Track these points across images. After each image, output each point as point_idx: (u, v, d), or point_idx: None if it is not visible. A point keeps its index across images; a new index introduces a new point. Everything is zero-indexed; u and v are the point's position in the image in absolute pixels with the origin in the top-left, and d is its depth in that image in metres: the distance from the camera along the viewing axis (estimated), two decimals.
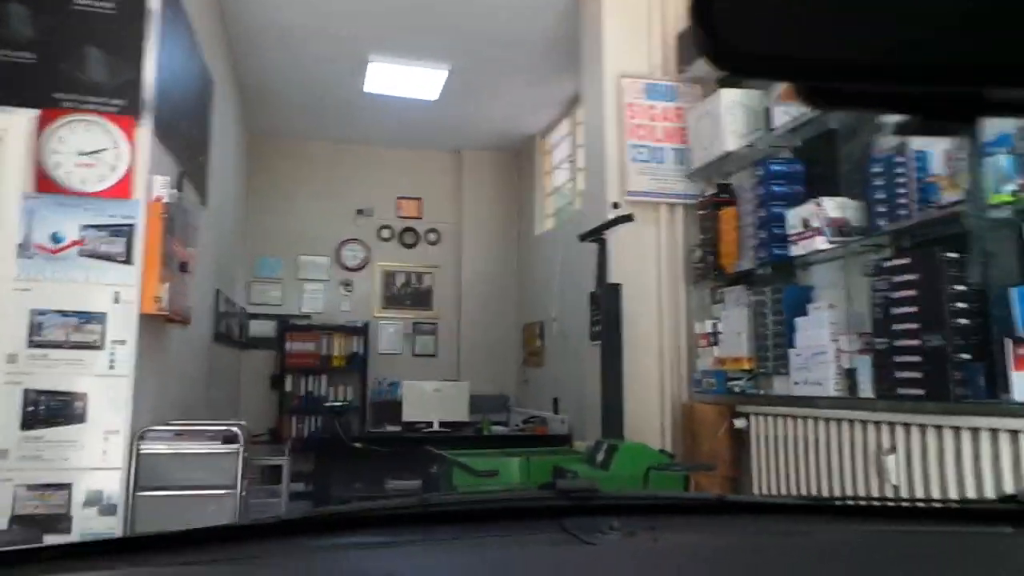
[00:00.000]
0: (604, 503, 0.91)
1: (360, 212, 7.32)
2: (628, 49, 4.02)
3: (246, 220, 6.85)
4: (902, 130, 2.19)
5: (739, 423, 3.42)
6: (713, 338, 3.62)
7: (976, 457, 2.25)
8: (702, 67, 3.81)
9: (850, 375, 2.76)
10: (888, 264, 2.53)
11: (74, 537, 2.61)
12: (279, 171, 7.19)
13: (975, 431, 2.25)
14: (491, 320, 7.44)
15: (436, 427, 5.16)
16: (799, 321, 3.01)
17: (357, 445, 4.75)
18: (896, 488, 2.53)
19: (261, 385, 6.88)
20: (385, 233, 7.39)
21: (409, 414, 5.13)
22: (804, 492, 2.96)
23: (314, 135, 7.14)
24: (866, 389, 2.65)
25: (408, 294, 7.42)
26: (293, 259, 7.14)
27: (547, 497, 0.91)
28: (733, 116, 3.43)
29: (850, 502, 1.10)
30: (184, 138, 3.59)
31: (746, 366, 3.36)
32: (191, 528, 0.76)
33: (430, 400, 5.26)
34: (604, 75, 3.96)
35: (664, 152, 3.91)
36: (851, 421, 2.74)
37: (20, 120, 2.75)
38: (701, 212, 3.76)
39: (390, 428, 5.26)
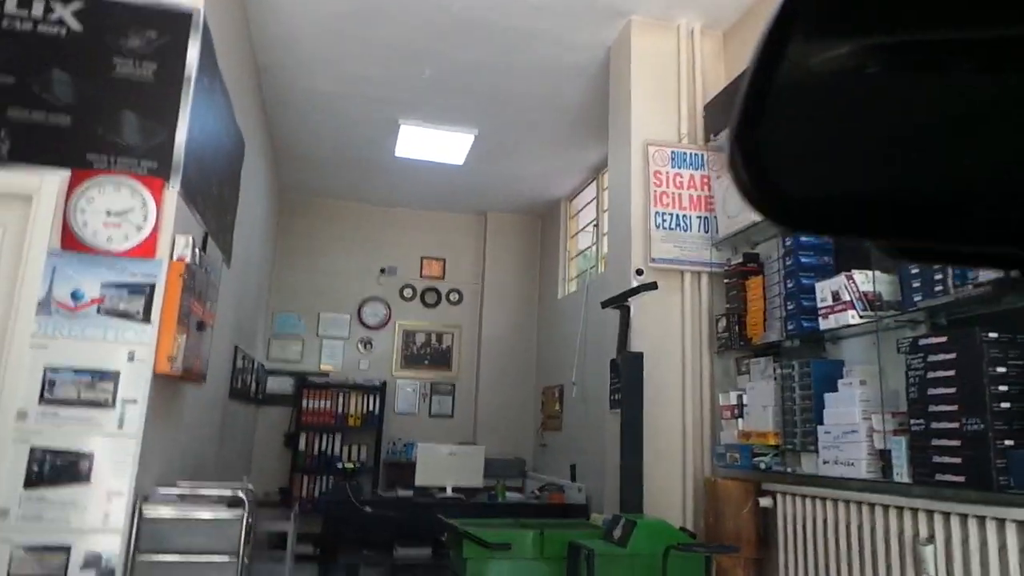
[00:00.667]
0: None
1: (383, 271, 7.35)
2: (655, 116, 4.04)
3: (271, 277, 6.91)
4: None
5: (765, 502, 3.26)
6: (738, 410, 3.49)
7: (1023, 551, 2.10)
8: None
9: (884, 456, 2.63)
10: (924, 342, 2.42)
11: None
12: (306, 229, 7.29)
13: (1021, 524, 2.11)
14: (510, 382, 7.34)
15: (449, 492, 5.02)
16: (829, 397, 2.89)
17: (367, 509, 4.62)
18: None
19: (275, 442, 6.80)
20: (407, 292, 7.40)
21: (422, 478, 5.00)
22: None
23: (342, 195, 7.25)
24: (902, 472, 2.51)
25: (427, 354, 7.36)
26: (314, 316, 7.16)
27: None
28: None
29: None
30: (212, 198, 3.63)
31: (772, 441, 3.22)
32: None
33: (444, 464, 5.13)
34: (631, 141, 3.97)
35: (690, 220, 3.87)
36: (885, 506, 2.59)
37: (52, 180, 2.79)
38: (727, 281, 3.69)
39: (402, 492, 5.12)
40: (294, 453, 6.64)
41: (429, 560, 4.53)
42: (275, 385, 6.90)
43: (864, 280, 2.75)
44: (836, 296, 2.82)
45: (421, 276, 7.48)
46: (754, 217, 3.35)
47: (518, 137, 5.72)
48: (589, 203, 6.60)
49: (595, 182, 6.44)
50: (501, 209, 7.54)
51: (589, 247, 6.59)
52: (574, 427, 6.24)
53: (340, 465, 5.54)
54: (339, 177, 6.76)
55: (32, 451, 2.59)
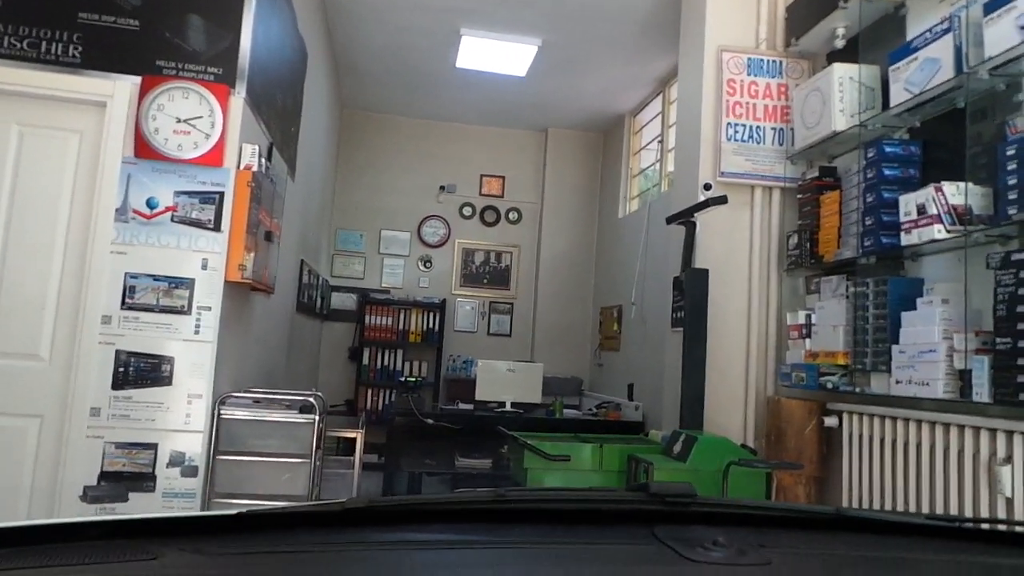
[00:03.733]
0: (703, 510, 0.80)
1: (443, 188, 7.33)
2: (732, 19, 3.79)
3: (333, 193, 6.98)
4: None
5: (830, 421, 3.21)
6: (805, 330, 3.40)
7: None
8: (813, 40, 3.56)
9: (963, 376, 2.52)
10: (1017, 257, 2.27)
11: (158, 496, 2.69)
12: (367, 146, 7.28)
13: None
14: (568, 302, 7.34)
15: (508, 407, 5.13)
16: (906, 316, 2.77)
17: (429, 421, 4.76)
18: (1009, 500, 2.31)
19: (339, 357, 7.03)
20: (467, 210, 7.38)
21: (482, 393, 5.11)
22: (901, 497, 2.75)
23: (403, 110, 7.18)
24: (982, 392, 2.41)
25: (486, 273, 7.40)
26: (376, 233, 7.24)
27: (637, 500, 0.80)
28: (844, 93, 3.18)
29: (983, 526, 0.95)
30: (276, 109, 3.63)
31: (841, 361, 3.14)
32: (254, 511, 0.70)
33: (504, 380, 5.22)
34: (704, 47, 3.75)
35: (763, 131, 3.69)
36: (961, 426, 2.50)
37: (124, 86, 2.82)
38: (801, 196, 3.53)
39: (462, 406, 5.26)
40: (358, 367, 6.87)
41: (489, 470, 4.68)
42: (338, 301, 7.08)
43: (954, 192, 2.57)
44: (921, 210, 2.66)
45: (480, 194, 7.43)
46: (835, 127, 3.17)
47: (583, 48, 5.50)
48: (654, 118, 6.36)
49: (661, 95, 6.18)
50: (562, 125, 7.35)
51: (652, 164, 6.39)
52: (632, 347, 6.24)
53: (403, 379, 5.70)
54: (399, 92, 6.67)
55: (117, 354, 2.73)
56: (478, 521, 0.75)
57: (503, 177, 7.48)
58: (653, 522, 0.75)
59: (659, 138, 6.16)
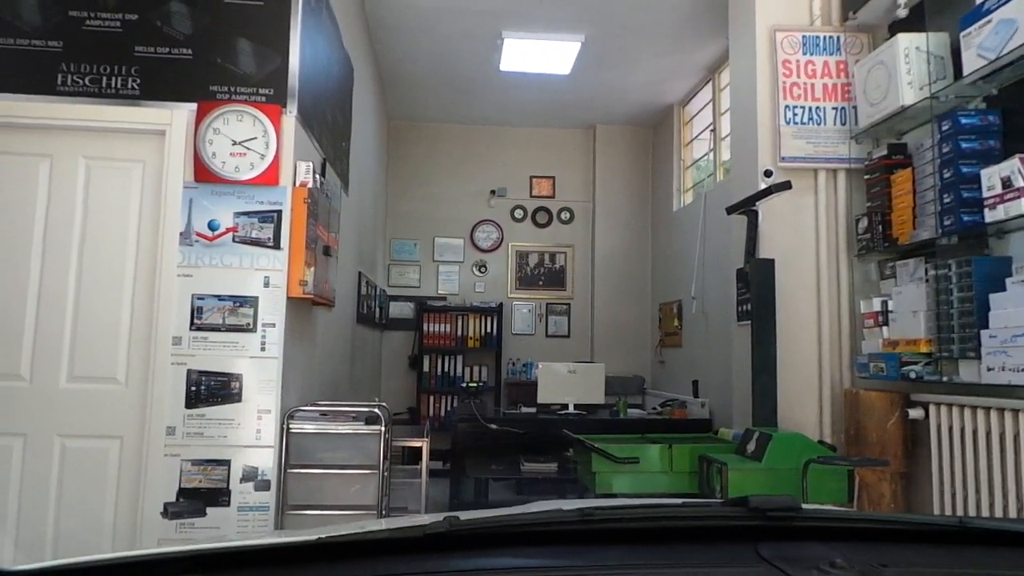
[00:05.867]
0: (809, 524, 0.73)
1: (493, 193, 7.32)
2: None
3: (385, 204, 7.06)
4: None
5: (915, 413, 3.05)
6: (882, 317, 3.24)
7: None
8: (872, 11, 3.40)
9: None
10: None
11: (233, 510, 2.74)
12: (415, 155, 7.34)
13: None
14: (625, 299, 7.24)
15: (571, 409, 5.07)
16: (995, 298, 2.61)
17: (493, 426, 4.74)
18: None
19: (400, 365, 7.09)
20: (518, 213, 7.35)
21: (544, 396, 5.07)
22: (999, 494, 2.57)
23: (449, 117, 7.21)
24: None
25: (541, 274, 7.35)
26: (429, 241, 7.28)
27: (736, 515, 0.73)
28: (911, 65, 3.02)
29: None
30: (327, 125, 3.67)
31: (923, 349, 2.97)
32: (331, 538, 0.68)
33: (565, 382, 5.17)
34: (756, 29, 3.63)
35: (824, 112, 3.54)
36: None
37: (181, 113, 2.89)
38: (868, 177, 3.37)
39: (525, 409, 5.22)
40: (419, 374, 6.91)
41: (555, 474, 4.62)
42: (396, 310, 7.15)
43: None
44: (1007, 183, 2.49)
45: (531, 196, 7.40)
46: (903, 101, 3.01)
47: (626, 40, 5.40)
48: (705, 106, 6.21)
49: (711, 82, 6.03)
50: (610, 121, 7.25)
51: (705, 155, 6.24)
52: (694, 343, 6.10)
53: (464, 385, 5.70)
54: (444, 99, 6.69)
55: (189, 373, 2.79)
56: (564, 543, 0.71)
57: (553, 178, 7.43)
58: (754, 539, 0.70)
59: (711, 126, 6.00)
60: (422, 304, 7.01)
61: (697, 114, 6.46)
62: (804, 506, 0.75)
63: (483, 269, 7.30)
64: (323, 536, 0.68)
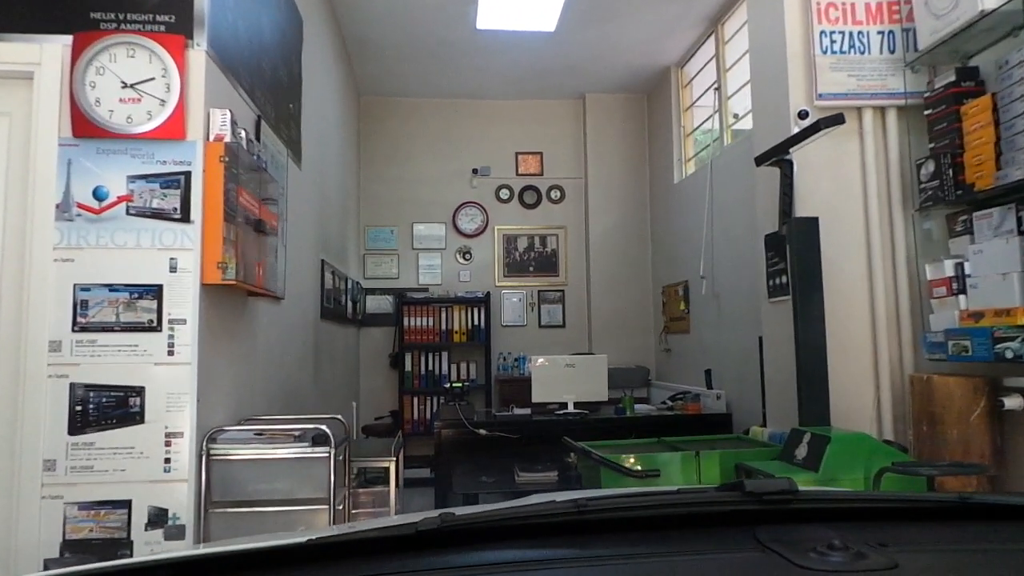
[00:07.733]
0: (808, 507, 0.73)
1: (476, 172, 6.65)
2: None
3: (357, 189, 6.38)
4: None
5: (1011, 403, 2.42)
6: (957, 284, 2.60)
7: None
8: None
9: None
10: None
11: None
12: (389, 134, 6.66)
13: None
14: (625, 283, 6.60)
15: (571, 408, 4.42)
16: None
17: (482, 432, 4.10)
18: None
19: (380, 364, 6.44)
20: (504, 193, 6.69)
21: (540, 394, 4.41)
22: None
23: (424, 90, 6.51)
24: None
25: (531, 259, 6.70)
26: (408, 228, 6.61)
27: (732, 500, 0.72)
28: None
29: None
30: (262, 78, 3.00)
31: (1021, 320, 2.34)
32: (322, 539, 0.67)
33: (563, 377, 4.51)
34: None
35: (868, 37, 2.90)
36: None
37: (53, 49, 2.21)
38: (930, 112, 2.73)
39: (518, 411, 4.56)
40: (400, 374, 6.26)
41: (556, 484, 3.98)
42: (374, 304, 6.49)
43: None
44: None
45: (517, 174, 6.73)
46: (985, 4, 2.37)
47: None
48: (707, 63, 5.56)
49: (713, 36, 5.37)
50: (600, 89, 6.58)
51: (709, 118, 5.60)
52: (704, 327, 5.47)
53: (448, 385, 5.05)
54: (418, 68, 6.00)
55: (72, 388, 2.12)
56: (559, 535, 0.70)
57: (540, 153, 6.77)
58: (752, 523, 0.69)
59: (715, 85, 5.36)
60: (402, 297, 6.34)
61: (697, 75, 5.81)
62: (802, 488, 0.72)
63: (467, 256, 6.64)
64: (313, 537, 0.67)
